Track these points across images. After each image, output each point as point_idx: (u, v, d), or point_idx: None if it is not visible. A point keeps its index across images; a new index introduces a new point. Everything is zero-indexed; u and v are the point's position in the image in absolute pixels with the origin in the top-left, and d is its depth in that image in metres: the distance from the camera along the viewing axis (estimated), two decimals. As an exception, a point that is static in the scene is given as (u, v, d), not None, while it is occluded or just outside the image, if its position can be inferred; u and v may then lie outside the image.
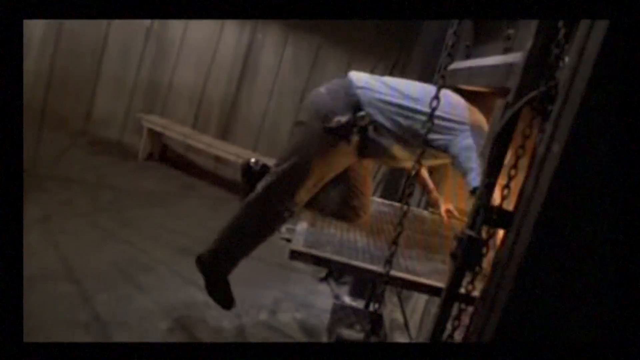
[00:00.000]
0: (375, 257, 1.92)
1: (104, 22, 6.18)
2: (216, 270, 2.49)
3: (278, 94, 6.14)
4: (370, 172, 2.53)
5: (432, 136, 1.79)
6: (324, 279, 4.28)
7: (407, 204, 1.67)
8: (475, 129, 2.00)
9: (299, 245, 1.88)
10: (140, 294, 3.31)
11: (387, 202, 2.96)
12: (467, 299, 1.28)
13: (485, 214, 1.21)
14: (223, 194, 5.91)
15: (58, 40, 6.23)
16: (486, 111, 2.79)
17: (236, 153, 5.70)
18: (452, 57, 1.68)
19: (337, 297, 4.01)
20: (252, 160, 2.48)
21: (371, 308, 2.96)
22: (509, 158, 1.26)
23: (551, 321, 1.09)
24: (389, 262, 1.58)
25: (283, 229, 2.25)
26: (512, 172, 1.22)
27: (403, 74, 5.43)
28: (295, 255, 1.83)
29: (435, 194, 2.69)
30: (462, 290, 1.28)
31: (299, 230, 2.06)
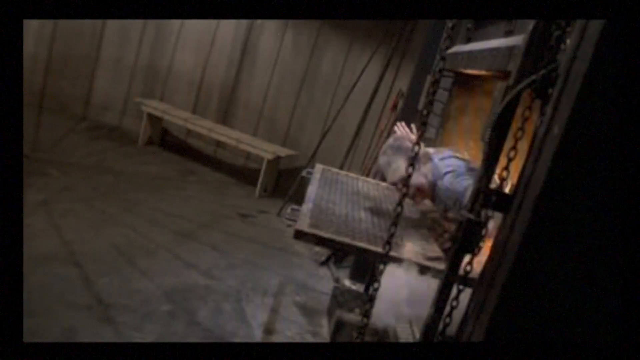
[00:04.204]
0: (379, 237, 1.93)
1: (102, 6, 6.14)
2: None
3: (278, 78, 6.12)
4: None
5: None
6: (324, 263, 4.31)
7: (406, 186, 1.67)
8: None
9: (304, 225, 1.88)
10: (141, 277, 3.34)
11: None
12: (466, 280, 1.29)
13: (484, 196, 1.22)
14: (223, 179, 5.92)
15: (56, 23, 6.19)
16: (486, 95, 2.79)
17: (236, 138, 5.70)
18: (452, 40, 1.67)
19: (337, 280, 4.04)
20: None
21: (371, 290, 2.98)
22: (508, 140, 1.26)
23: (549, 305, 1.10)
24: (388, 243, 1.59)
25: (288, 209, 2.24)
26: (512, 154, 1.22)
27: (403, 57, 5.41)
28: (299, 235, 1.84)
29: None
30: (461, 272, 1.29)
31: (304, 211, 2.07)
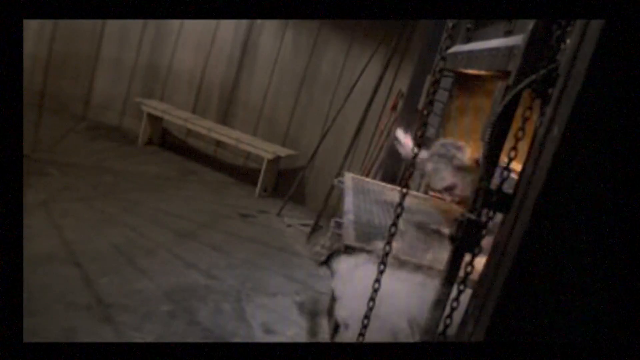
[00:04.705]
0: (422, 250, 1.98)
1: (102, 5, 6.14)
2: None
3: (278, 78, 6.11)
4: None
5: None
6: (324, 263, 4.31)
7: (407, 186, 1.67)
8: None
9: (350, 239, 1.92)
10: (141, 277, 3.34)
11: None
12: (466, 281, 1.29)
13: (485, 196, 1.22)
14: (223, 179, 5.92)
15: (56, 23, 6.18)
16: (486, 95, 2.79)
17: (236, 137, 5.70)
18: (452, 40, 1.68)
19: (337, 280, 4.03)
20: None
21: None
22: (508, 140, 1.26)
23: (548, 305, 1.10)
24: (388, 243, 1.59)
25: (332, 222, 2.30)
26: (512, 154, 1.22)
27: (403, 57, 5.40)
28: (348, 249, 1.88)
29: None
30: (461, 273, 1.29)
31: (347, 223, 2.09)
